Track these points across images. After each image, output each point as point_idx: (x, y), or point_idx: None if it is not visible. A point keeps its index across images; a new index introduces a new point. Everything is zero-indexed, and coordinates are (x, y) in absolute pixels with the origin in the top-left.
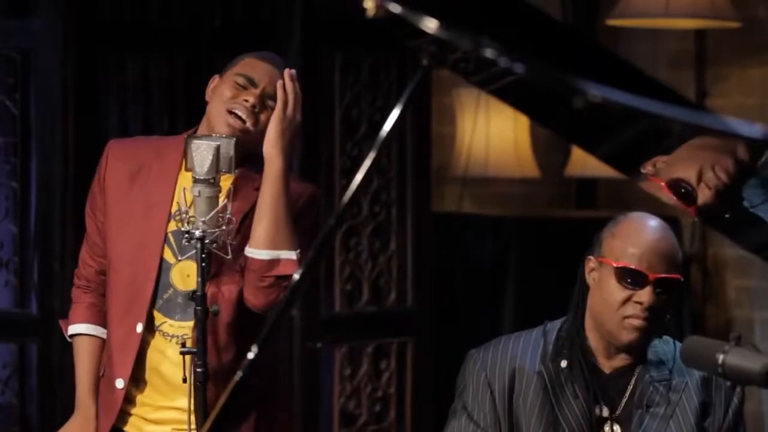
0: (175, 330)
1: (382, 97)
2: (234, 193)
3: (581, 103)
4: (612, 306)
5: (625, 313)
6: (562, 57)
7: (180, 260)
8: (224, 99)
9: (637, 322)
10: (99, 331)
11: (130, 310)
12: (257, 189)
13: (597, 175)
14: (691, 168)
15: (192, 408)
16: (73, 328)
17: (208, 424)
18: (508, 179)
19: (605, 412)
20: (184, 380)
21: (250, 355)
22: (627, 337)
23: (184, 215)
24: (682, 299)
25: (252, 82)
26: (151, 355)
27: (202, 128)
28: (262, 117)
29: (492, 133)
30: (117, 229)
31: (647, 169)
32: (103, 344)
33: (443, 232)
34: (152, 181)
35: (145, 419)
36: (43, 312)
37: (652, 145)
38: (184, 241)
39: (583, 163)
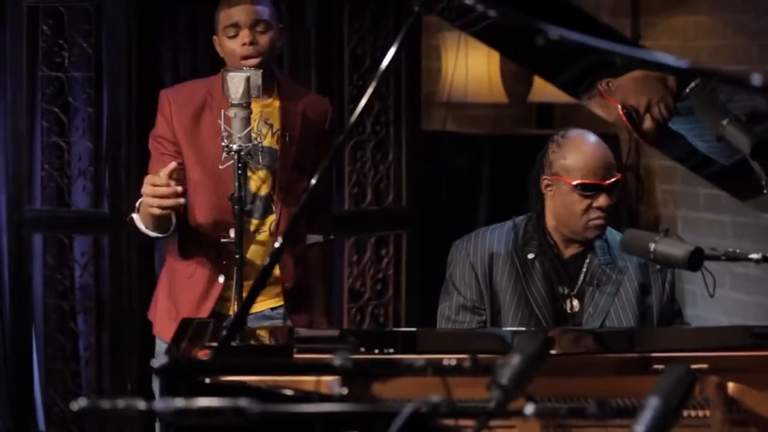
0: (255, 227)
1: (382, 39)
2: (282, 112)
3: (542, 40)
4: (576, 214)
5: (590, 217)
6: (527, 4)
7: (244, 170)
8: (231, 51)
9: (600, 222)
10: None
11: (221, 221)
12: (302, 116)
13: (554, 101)
14: (642, 98)
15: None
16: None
17: (248, 300)
18: (483, 104)
19: (566, 290)
20: (224, 264)
21: (276, 245)
22: (593, 234)
23: (224, 133)
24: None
25: (237, 26)
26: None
27: None
28: (261, 41)
29: (470, 67)
30: (196, 158)
31: (602, 86)
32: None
33: (431, 147)
34: (215, 113)
35: (225, 299)
36: (113, 211)
37: (600, 74)
38: (224, 153)
39: (542, 90)
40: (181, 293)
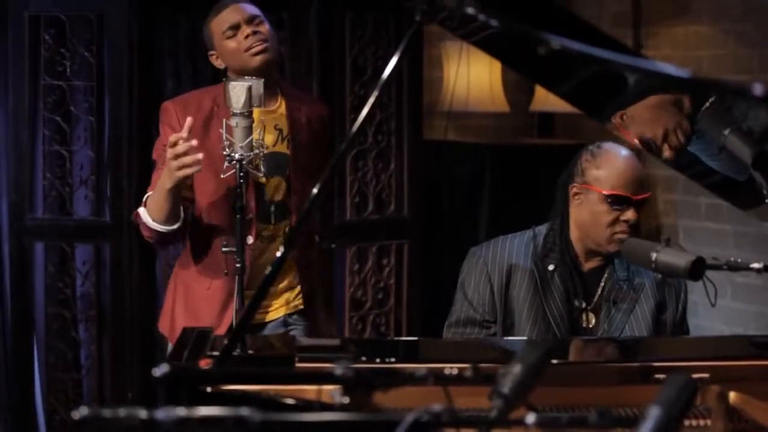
0: (270, 232)
1: (383, 48)
2: (290, 117)
3: (544, 50)
4: (602, 225)
5: (615, 230)
6: (529, 14)
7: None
8: (235, 50)
9: (623, 236)
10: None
11: (233, 230)
12: (306, 119)
13: (555, 110)
14: (659, 129)
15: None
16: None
17: (246, 309)
18: (484, 113)
19: (582, 304)
20: (226, 273)
21: (278, 254)
22: (615, 248)
23: (226, 142)
24: None
25: (236, 26)
26: (254, 257)
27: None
28: (262, 29)
29: (471, 76)
30: (206, 167)
31: (617, 120)
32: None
33: (432, 156)
34: (222, 123)
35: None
36: (115, 219)
37: (605, 88)
38: (225, 162)
39: (544, 100)
40: (201, 306)
